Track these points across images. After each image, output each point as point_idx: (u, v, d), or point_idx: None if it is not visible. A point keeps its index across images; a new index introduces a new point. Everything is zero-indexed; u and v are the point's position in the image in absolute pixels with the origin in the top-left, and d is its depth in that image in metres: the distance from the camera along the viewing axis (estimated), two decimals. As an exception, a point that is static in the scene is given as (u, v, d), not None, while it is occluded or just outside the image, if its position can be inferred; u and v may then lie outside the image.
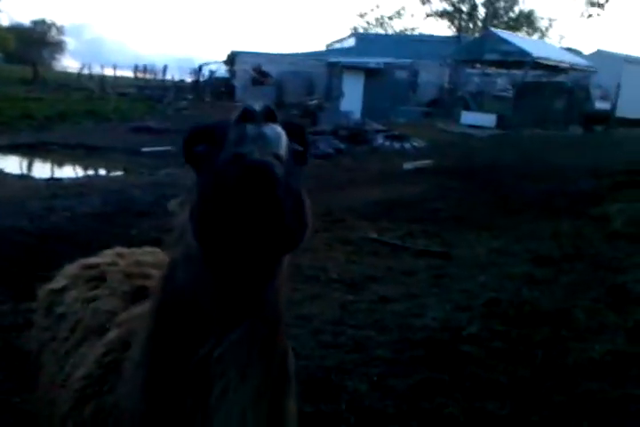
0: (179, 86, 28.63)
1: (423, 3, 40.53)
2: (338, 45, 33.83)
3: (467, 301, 4.52)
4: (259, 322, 1.08)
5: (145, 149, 14.39)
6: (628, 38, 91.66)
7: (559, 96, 22.54)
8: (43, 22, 59.57)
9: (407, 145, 15.72)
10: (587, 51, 29.86)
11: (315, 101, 21.86)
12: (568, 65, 23.30)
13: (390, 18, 46.65)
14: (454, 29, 41.19)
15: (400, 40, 32.76)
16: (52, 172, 12.10)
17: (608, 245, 6.15)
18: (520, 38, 26.74)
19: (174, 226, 1.17)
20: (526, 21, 44.83)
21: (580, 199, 8.39)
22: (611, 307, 4.32)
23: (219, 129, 1.03)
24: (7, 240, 5.45)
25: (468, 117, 21.97)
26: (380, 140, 16.00)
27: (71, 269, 1.85)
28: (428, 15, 42.66)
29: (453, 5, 40.96)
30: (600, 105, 23.38)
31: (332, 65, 25.32)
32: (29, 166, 12.65)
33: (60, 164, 13.16)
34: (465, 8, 40.83)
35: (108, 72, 31.35)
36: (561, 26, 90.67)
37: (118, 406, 1.24)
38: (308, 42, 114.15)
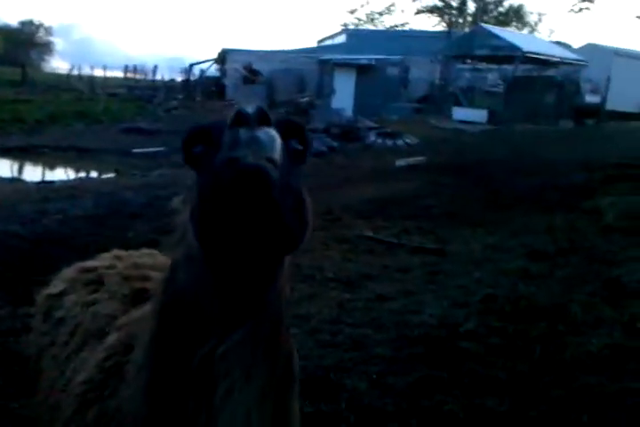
0: (169, 86, 28.53)
1: (413, -1, 40.50)
2: (329, 42, 33.81)
3: (463, 297, 4.53)
4: (261, 322, 1.07)
5: (136, 151, 14.35)
6: (618, 31, 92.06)
7: (549, 90, 22.64)
8: (30, 23, 59.12)
9: (399, 142, 15.75)
10: (576, 44, 29.98)
11: (306, 99, 21.85)
12: (558, 59, 23.39)
13: (380, 14, 46.67)
14: (444, 25, 41.24)
15: (391, 36, 32.76)
16: (44, 175, 12.04)
17: (602, 239, 6.19)
18: (510, 33, 26.81)
19: (175, 226, 1.17)
20: (516, 16, 44.96)
21: (573, 193, 8.43)
22: (606, 301, 4.35)
23: (215, 129, 1.02)
24: (0, 244, 5.41)
25: (460, 113, 22.03)
26: (372, 137, 16.01)
27: (69, 272, 1.84)
28: (418, 11, 42.71)
29: (443, 0, 40.99)
30: (590, 99, 23.47)
31: (323, 62, 25.29)
32: (20, 170, 12.59)
33: (52, 166, 13.11)
34: (455, 3, 40.88)
35: (98, 73, 31.22)
36: (550, 20, 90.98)
37: (121, 410, 1.23)
38: (298, 38, 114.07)
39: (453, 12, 41.36)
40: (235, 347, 1.05)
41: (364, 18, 47.46)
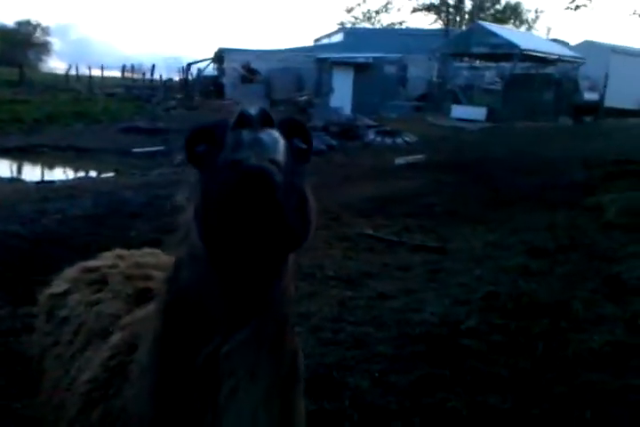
0: (167, 85, 28.51)
1: (410, -3, 40.49)
2: (326, 40, 33.78)
3: (464, 295, 4.53)
4: (266, 321, 1.07)
5: (135, 150, 14.33)
6: (614, 28, 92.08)
7: (548, 88, 22.64)
8: (28, 23, 58.98)
9: (399, 140, 15.74)
10: (573, 42, 29.96)
11: (304, 98, 21.84)
12: (556, 56, 23.37)
13: (377, 12, 46.68)
14: (442, 23, 41.21)
15: (388, 34, 32.74)
16: (43, 174, 12.03)
17: (602, 236, 6.19)
18: (507, 30, 26.79)
19: (179, 224, 1.16)
20: (513, 13, 44.94)
21: (573, 190, 8.43)
22: (608, 297, 4.35)
23: (218, 129, 1.02)
24: (0, 244, 5.40)
25: (458, 111, 22.03)
26: (371, 135, 16.01)
27: (71, 272, 1.83)
28: (415, 9, 42.67)
29: (440, -2, 40.95)
30: (589, 96, 23.48)
31: (321, 61, 25.27)
32: (20, 170, 12.58)
33: (51, 166, 13.10)
34: (451, 1, 40.83)
35: (96, 72, 31.16)
36: (547, 17, 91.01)
37: (126, 409, 1.23)
38: (296, 37, 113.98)
39: (450, 9, 41.33)
40: (239, 346, 1.05)
41: (361, 16, 47.51)
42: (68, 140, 15.20)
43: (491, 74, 25.13)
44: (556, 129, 18.74)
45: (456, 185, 9.37)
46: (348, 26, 43.36)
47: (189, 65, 28.49)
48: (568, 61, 23.98)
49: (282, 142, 0.97)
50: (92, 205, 7.56)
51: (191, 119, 18.10)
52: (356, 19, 47.60)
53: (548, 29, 54.26)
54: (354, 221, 6.93)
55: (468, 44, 22.83)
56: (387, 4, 48.37)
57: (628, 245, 5.69)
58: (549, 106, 22.11)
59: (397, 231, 6.60)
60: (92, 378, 1.36)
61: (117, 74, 33.17)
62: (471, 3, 41.41)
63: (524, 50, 21.65)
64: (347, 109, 22.10)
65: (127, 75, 32.42)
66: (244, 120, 0.95)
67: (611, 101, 22.70)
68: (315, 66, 25.29)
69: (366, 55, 25.08)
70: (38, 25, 59.83)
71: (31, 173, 12.14)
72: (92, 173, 12.27)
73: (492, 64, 25.53)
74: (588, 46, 25.75)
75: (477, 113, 21.51)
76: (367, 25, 45.75)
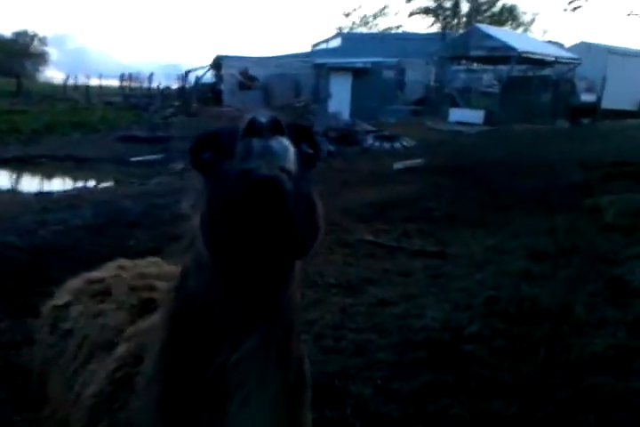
0: (165, 94, 28.59)
1: (407, 1, 40.63)
2: (324, 46, 33.88)
3: (466, 300, 4.52)
4: (273, 328, 1.07)
5: (134, 159, 14.34)
6: (610, 30, 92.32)
7: (545, 90, 22.66)
8: (25, 33, 59.12)
9: (397, 145, 15.76)
10: (569, 43, 29.99)
11: (302, 103, 21.88)
12: (553, 58, 23.42)
13: (374, 17, 46.82)
14: (439, 26, 41.36)
15: (385, 39, 32.83)
16: (42, 185, 12.03)
17: (602, 238, 6.17)
18: (504, 33, 26.87)
19: (184, 232, 1.16)
20: (509, 16, 45.09)
21: (572, 192, 8.42)
22: (610, 301, 4.33)
23: (225, 136, 1.01)
24: (0, 256, 5.40)
25: (456, 114, 22.07)
26: (370, 140, 16.03)
27: (74, 283, 1.82)
28: (411, 13, 42.81)
29: (436, 2, 41.10)
30: (586, 97, 23.49)
31: (318, 66, 25.33)
32: (18, 180, 12.57)
33: (50, 176, 13.10)
34: (448, 4, 40.99)
35: (93, 82, 31.26)
36: (543, 19, 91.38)
37: (132, 422, 1.22)
38: (293, 43, 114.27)
39: (447, 13, 41.48)
40: (248, 354, 1.05)
41: (358, 21, 47.65)
42: (66, 149, 15.22)
43: (488, 77, 25.19)
44: (553, 131, 18.74)
45: (455, 189, 9.37)
46: (346, 31, 43.51)
47: (187, 72, 28.57)
48: (565, 63, 24.03)
49: (292, 150, 0.95)
50: (92, 215, 7.55)
51: (190, 127, 18.13)
52: (354, 23, 47.78)
53: (544, 31, 54.45)
54: (353, 227, 6.92)
55: (466, 47, 22.89)
56: (383, 8, 48.53)
57: (628, 247, 5.67)
58: (547, 108, 22.13)
59: (397, 236, 6.60)
60: (97, 391, 1.35)
61: (115, 83, 33.30)
62: (468, 6, 41.57)
63: (522, 52, 21.71)
64: (345, 115, 22.13)
65: (125, 83, 32.48)
66: (255, 128, 0.93)
67: (608, 103, 22.71)
68: (312, 71, 25.34)
69: (364, 60, 25.14)
70: (35, 35, 59.98)
71: (30, 183, 12.14)
72: (91, 183, 12.27)
73: (490, 67, 25.62)
74: (585, 47, 25.77)
75: (475, 116, 21.55)
76: (364, 29, 45.91)
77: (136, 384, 1.23)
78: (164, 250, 5.02)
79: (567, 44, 29.21)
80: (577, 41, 27.65)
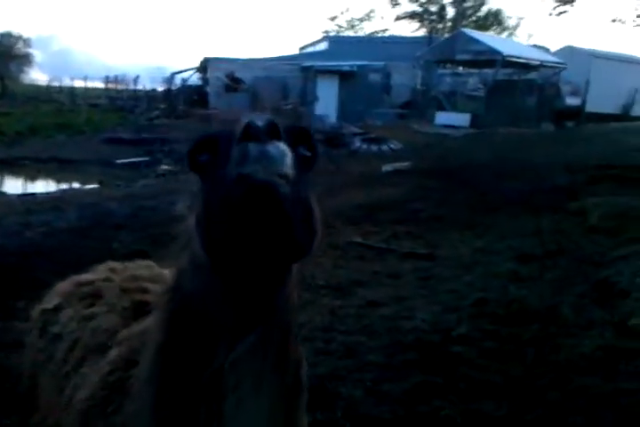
0: (150, 96, 28.42)
1: (393, 5, 40.83)
2: (310, 49, 33.90)
3: (455, 301, 4.54)
4: (270, 330, 1.06)
5: (119, 161, 14.25)
6: (595, 34, 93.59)
7: (530, 93, 22.88)
8: (9, 35, 58.41)
9: (384, 147, 15.81)
10: (554, 47, 30.32)
11: (290, 106, 21.86)
12: (538, 62, 23.64)
13: (361, 20, 46.97)
14: (424, 30, 41.58)
15: (372, 42, 32.93)
16: (26, 187, 11.90)
17: (588, 240, 6.23)
18: (490, 37, 27.07)
19: (180, 233, 1.15)
20: (495, 20, 45.48)
21: (557, 195, 8.49)
22: (596, 302, 4.38)
23: (222, 139, 1.00)
24: (-15, 258, 5.33)
25: (443, 117, 22.18)
26: (357, 143, 16.06)
27: (64, 286, 1.80)
28: (398, 17, 43.01)
29: (422, 6, 41.32)
30: (570, 101, 23.75)
31: (305, 69, 25.36)
32: (1, 182, 12.43)
33: (33, 178, 12.98)
34: (434, 9, 41.23)
35: (78, 84, 31.00)
36: (528, 24, 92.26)
37: (126, 426, 1.21)
38: (280, 46, 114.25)
39: (433, 17, 41.72)
40: (244, 356, 1.04)
41: (345, 24, 47.76)
42: (50, 151, 15.09)
43: (474, 80, 25.37)
44: (538, 134, 18.90)
45: (442, 191, 9.41)
46: (332, 34, 43.59)
47: (173, 75, 28.45)
48: (550, 67, 24.28)
49: (289, 155, 0.94)
50: (77, 217, 7.49)
51: (175, 129, 18.06)
52: (340, 27, 47.89)
53: (529, 36, 54.95)
54: (343, 229, 6.93)
55: (452, 51, 23.02)
56: (370, 12, 48.78)
57: (614, 249, 5.74)
58: (532, 111, 22.34)
59: (386, 238, 6.61)
60: (90, 395, 1.33)
61: (100, 85, 33.02)
62: (453, 10, 41.87)
63: (507, 56, 21.88)
64: (332, 117, 22.17)
65: (110, 85, 32.26)
66: (251, 132, 0.92)
67: (592, 106, 22.99)
68: (299, 74, 25.36)
69: (351, 63, 25.21)
70: (20, 37, 59.31)
71: (13, 185, 12.00)
72: (76, 185, 12.17)
73: (475, 71, 25.79)
74: (569, 52, 26.04)
75: (461, 119, 21.68)
76: (351, 33, 46.04)
77: (130, 387, 1.22)
78: (150, 252, 5.00)
79: (553, 49, 29.54)
80: (563, 45, 27.96)
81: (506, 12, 51.38)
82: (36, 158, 14.19)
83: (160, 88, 29.96)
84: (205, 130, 1.11)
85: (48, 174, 13.24)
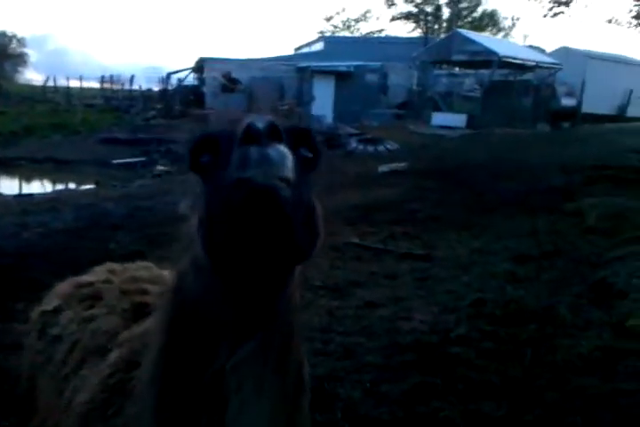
0: (146, 96, 28.31)
1: (388, 6, 40.89)
2: (307, 49, 33.92)
3: (453, 302, 4.54)
4: (272, 332, 1.05)
5: (115, 161, 14.22)
6: (591, 35, 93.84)
7: (526, 94, 22.95)
8: (3, 34, 58.22)
9: (381, 148, 15.81)
10: (549, 48, 30.40)
11: (286, 106, 21.85)
12: (534, 63, 23.70)
13: (357, 21, 47.05)
14: (420, 31, 41.64)
15: (368, 43, 32.97)
16: (22, 187, 11.86)
17: (584, 241, 6.25)
18: (486, 38, 27.12)
19: (181, 234, 1.13)
20: (490, 21, 45.59)
21: (553, 196, 8.51)
22: (594, 302, 4.39)
23: (223, 139, 0.99)
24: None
25: (439, 118, 22.21)
26: (353, 143, 16.06)
27: (63, 288, 1.78)
28: (393, 18, 43.08)
29: (418, 7, 41.40)
30: (566, 101, 23.82)
31: (301, 70, 25.34)
32: (-3, 182, 12.39)
33: (29, 179, 12.94)
34: (429, 9, 41.31)
35: (74, 83, 30.86)
36: (524, 24, 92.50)
37: None
38: (276, 46, 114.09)
39: (429, 18, 41.78)
40: (246, 357, 1.03)
41: (341, 25, 47.84)
42: (46, 152, 15.04)
43: (470, 81, 25.42)
44: (534, 135, 18.95)
45: (439, 192, 9.42)
46: (328, 34, 43.63)
47: (169, 75, 28.39)
48: (545, 68, 24.35)
49: (290, 158, 0.92)
50: (74, 217, 7.47)
51: (171, 129, 18.03)
52: (336, 27, 47.95)
53: (525, 36, 55.11)
54: (340, 230, 6.92)
55: (448, 51, 23.05)
56: (366, 12, 48.89)
57: (611, 250, 5.75)
58: (528, 112, 22.40)
59: (383, 239, 6.61)
60: (90, 398, 1.32)
61: (96, 85, 32.89)
62: (449, 11, 41.95)
63: (503, 57, 21.93)
64: (328, 118, 22.16)
65: (106, 85, 32.14)
66: (252, 134, 0.90)
67: (587, 107, 23.06)
68: (296, 75, 25.35)
69: (347, 64, 25.22)
70: (14, 36, 59.11)
71: (9, 185, 11.96)
72: (72, 185, 12.14)
73: (471, 71, 25.84)
74: (565, 53, 26.11)
75: (457, 120, 21.72)
76: (347, 33, 46.09)
77: (131, 390, 1.21)
78: (147, 252, 4.99)
79: (549, 49, 29.61)
80: (558, 46, 28.03)
81: (501, 13, 51.55)
82: (32, 159, 14.15)
83: (156, 88, 29.89)
84: (205, 129, 1.10)
85: (44, 175, 13.20)
